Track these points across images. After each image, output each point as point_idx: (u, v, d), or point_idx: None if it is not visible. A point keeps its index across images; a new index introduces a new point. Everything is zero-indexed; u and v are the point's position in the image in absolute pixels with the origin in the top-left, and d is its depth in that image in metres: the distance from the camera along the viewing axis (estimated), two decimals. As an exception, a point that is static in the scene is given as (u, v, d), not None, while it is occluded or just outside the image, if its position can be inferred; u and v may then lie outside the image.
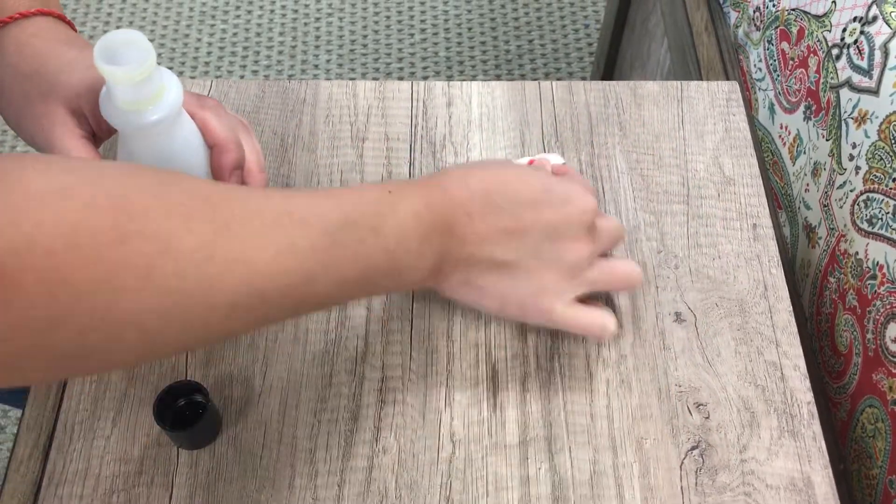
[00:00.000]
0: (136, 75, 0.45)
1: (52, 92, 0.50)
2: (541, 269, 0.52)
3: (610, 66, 1.51)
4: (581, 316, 0.54)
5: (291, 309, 0.45)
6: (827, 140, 0.71)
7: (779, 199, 0.82)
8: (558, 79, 1.84)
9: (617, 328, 0.56)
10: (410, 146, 0.70)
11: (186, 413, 0.55)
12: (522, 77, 1.86)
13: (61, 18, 0.55)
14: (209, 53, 1.90)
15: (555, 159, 0.66)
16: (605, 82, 0.74)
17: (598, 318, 0.55)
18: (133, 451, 0.56)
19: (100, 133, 0.52)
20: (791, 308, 0.62)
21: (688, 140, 0.71)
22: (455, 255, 0.50)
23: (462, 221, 0.49)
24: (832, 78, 0.71)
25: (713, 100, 0.73)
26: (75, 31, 0.56)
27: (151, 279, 0.35)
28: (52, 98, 0.50)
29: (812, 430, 0.57)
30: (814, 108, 0.74)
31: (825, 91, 0.72)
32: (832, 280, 0.69)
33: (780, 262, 0.64)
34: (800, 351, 0.60)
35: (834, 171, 0.70)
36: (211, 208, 0.39)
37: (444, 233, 0.49)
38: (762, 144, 0.86)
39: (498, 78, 1.85)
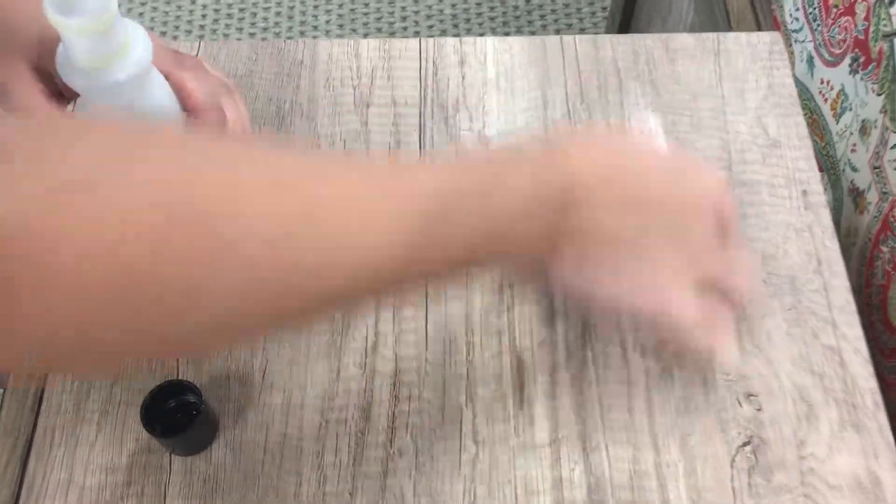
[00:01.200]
0: (92, 27, 0.39)
1: (12, 46, 0.46)
2: (662, 249, 0.47)
3: (626, 22, 1.45)
4: (700, 332, 0.48)
5: (392, 286, 0.43)
6: (878, 95, 0.67)
7: (819, 161, 0.77)
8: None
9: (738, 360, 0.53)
10: (420, 111, 0.66)
11: (178, 415, 0.52)
12: (532, 35, 1.80)
13: None
14: (204, 17, 1.84)
15: (653, 120, 0.60)
16: (633, 35, 0.69)
17: (718, 341, 0.48)
18: (120, 458, 0.53)
19: (68, 94, 0.48)
20: (849, 285, 0.57)
21: (727, 99, 0.66)
22: (572, 225, 0.46)
23: (582, 190, 0.45)
24: (885, 25, 0.67)
25: (753, 53, 0.68)
26: None
27: (232, 262, 0.33)
28: (12, 52, 0.46)
29: (877, 421, 0.53)
30: (862, 60, 0.70)
31: (876, 40, 0.68)
32: (884, 249, 0.66)
33: (834, 233, 0.60)
34: (860, 332, 0.56)
35: (887, 129, 0.66)
36: (299, 186, 0.37)
37: (561, 202, 0.45)
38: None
39: (507, 35, 1.79)
